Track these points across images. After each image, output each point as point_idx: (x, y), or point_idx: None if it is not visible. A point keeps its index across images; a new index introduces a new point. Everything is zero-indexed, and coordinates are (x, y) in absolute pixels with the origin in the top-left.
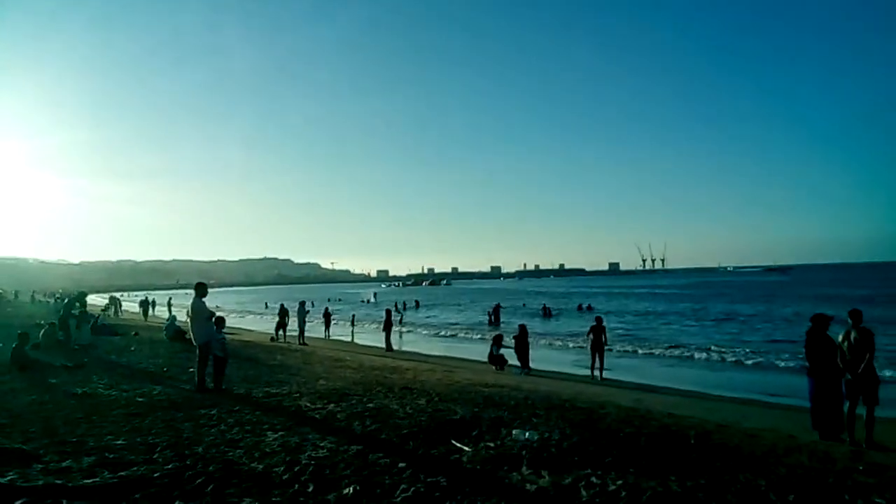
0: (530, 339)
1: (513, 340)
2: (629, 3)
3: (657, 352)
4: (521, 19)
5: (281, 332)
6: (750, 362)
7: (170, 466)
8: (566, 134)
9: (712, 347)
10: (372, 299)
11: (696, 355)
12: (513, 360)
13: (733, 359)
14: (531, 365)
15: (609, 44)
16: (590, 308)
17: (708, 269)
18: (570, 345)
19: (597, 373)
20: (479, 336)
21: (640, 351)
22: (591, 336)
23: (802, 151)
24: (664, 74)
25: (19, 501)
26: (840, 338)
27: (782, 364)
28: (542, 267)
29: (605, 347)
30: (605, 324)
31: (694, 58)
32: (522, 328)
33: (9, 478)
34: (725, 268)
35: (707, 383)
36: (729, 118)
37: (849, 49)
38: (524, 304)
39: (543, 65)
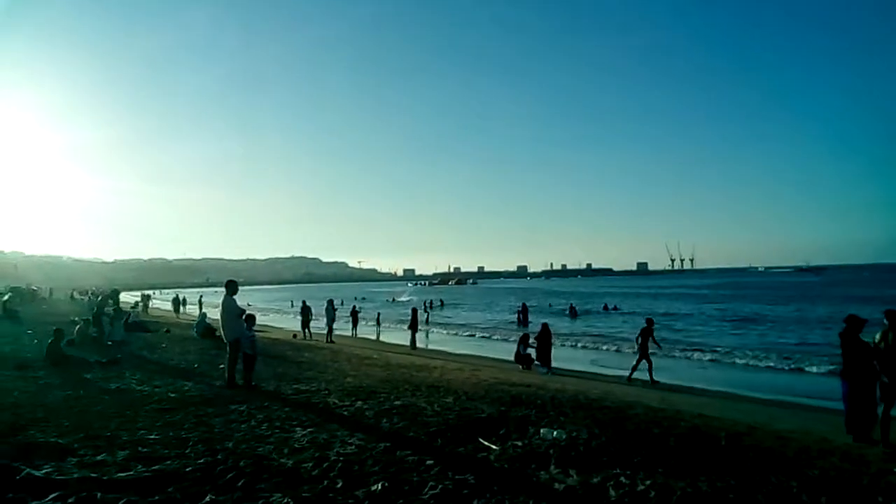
0: (553, 340)
1: (535, 341)
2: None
3: (686, 353)
4: (550, 16)
5: (306, 330)
6: (781, 364)
7: (201, 461)
8: (594, 132)
9: (742, 349)
10: (405, 298)
11: (726, 357)
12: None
13: (765, 361)
14: (553, 364)
15: (636, 44)
16: (616, 308)
17: (738, 269)
18: (598, 346)
19: (639, 375)
20: (505, 335)
21: (672, 353)
22: (640, 339)
23: (831, 151)
24: (695, 73)
25: (54, 494)
26: (877, 338)
27: (814, 367)
28: (569, 267)
29: (650, 352)
30: (654, 326)
31: (723, 58)
32: (545, 327)
33: (44, 471)
34: (756, 268)
35: (737, 384)
36: (757, 118)
37: (878, 52)
38: (550, 305)
39: (572, 62)
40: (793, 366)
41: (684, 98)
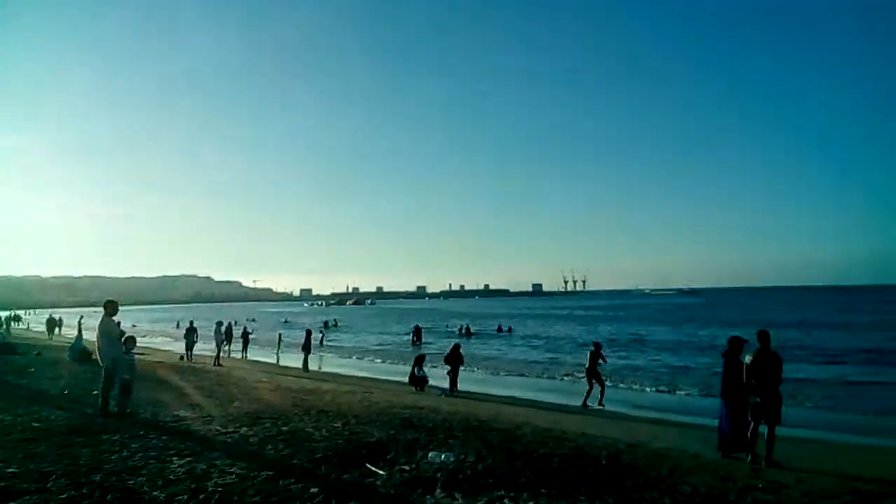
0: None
1: (446, 364)
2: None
3: (577, 376)
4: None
5: (190, 353)
6: (661, 386)
7: (64, 496)
8: (491, 157)
9: (629, 369)
10: (289, 320)
11: (613, 378)
12: (437, 380)
13: (647, 382)
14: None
15: (516, 67)
16: (510, 330)
17: (626, 291)
18: (491, 367)
19: (590, 402)
20: (400, 357)
21: (560, 375)
22: (588, 363)
23: (712, 178)
24: (579, 100)
25: None
26: (748, 359)
27: (691, 387)
28: (467, 287)
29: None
30: (603, 350)
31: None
32: (456, 348)
33: None
34: (643, 290)
35: (624, 404)
36: (643, 147)
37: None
38: (447, 326)
39: (474, 79)
40: (672, 385)
41: (573, 124)
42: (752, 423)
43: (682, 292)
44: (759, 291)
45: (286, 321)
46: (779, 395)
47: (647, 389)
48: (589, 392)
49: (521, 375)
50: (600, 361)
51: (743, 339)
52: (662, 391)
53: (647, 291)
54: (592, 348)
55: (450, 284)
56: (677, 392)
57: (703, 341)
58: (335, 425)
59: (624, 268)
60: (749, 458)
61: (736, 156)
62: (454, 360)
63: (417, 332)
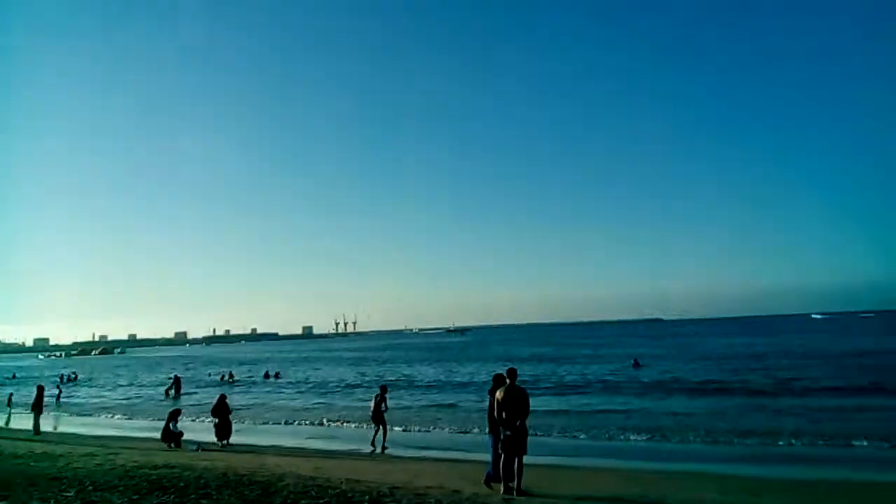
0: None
1: (213, 416)
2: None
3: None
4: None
5: None
6: (424, 426)
7: None
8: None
9: (403, 407)
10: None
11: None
12: (198, 434)
13: (419, 419)
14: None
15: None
16: (277, 375)
17: (396, 331)
18: (260, 416)
19: (376, 445)
20: (152, 412)
21: (329, 420)
22: (372, 406)
23: (477, 215)
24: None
25: None
26: (498, 395)
27: (456, 423)
28: (233, 331)
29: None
30: (387, 394)
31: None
32: (222, 398)
33: None
34: (412, 330)
35: (397, 445)
36: (406, 185)
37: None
38: (210, 374)
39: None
40: (439, 423)
41: (341, 159)
42: (503, 455)
43: (449, 331)
44: (522, 328)
45: (14, 377)
46: (525, 428)
47: (417, 429)
48: (376, 434)
49: (288, 423)
50: (383, 405)
51: (504, 375)
52: (425, 431)
53: (415, 331)
54: (378, 392)
55: (213, 329)
56: (442, 429)
57: (466, 378)
58: (67, 495)
59: (394, 308)
60: (503, 488)
61: (500, 199)
62: (221, 411)
63: (177, 382)
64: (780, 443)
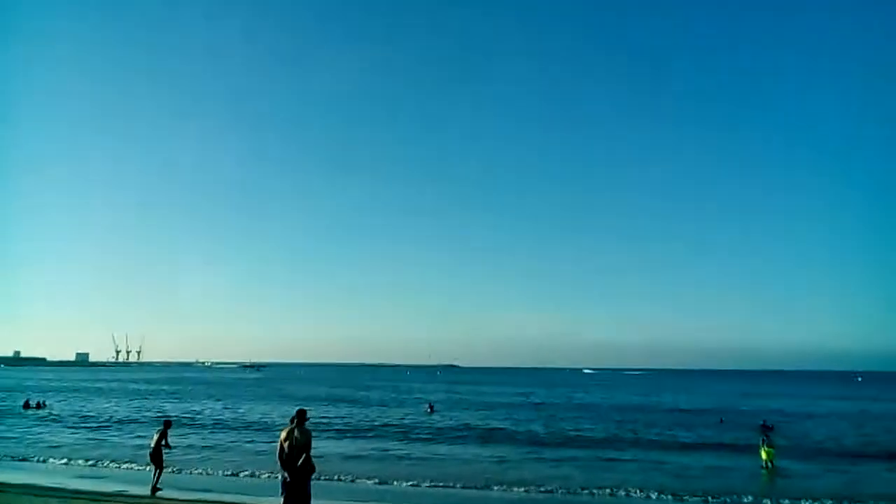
0: None
1: None
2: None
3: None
4: None
5: None
6: (216, 461)
7: None
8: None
9: (186, 446)
10: None
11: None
12: None
13: (200, 457)
14: None
15: None
16: (40, 406)
17: (185, 363)
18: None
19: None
20: None
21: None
22: (153, 443)
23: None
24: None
25: None
26: (281, 436)
27: (239, 463)
28: None
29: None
30: (170, 430)
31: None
32: None
33: None
34: (203, 363)
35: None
36: (205, 210)
37: None
38: None
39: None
40: (220, 464)
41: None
42: (283, 500)
43: (244, 367)
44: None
45: None
46: (307, 471)
47: (198, 471)
48: (156, 474)
49: (48, 460)
50: (163, 442)
51: (305, 412)
52: (205, 473)
53: (208, 365)
54: (161, 427)
55: None
56: (224, 472)
57: (256, 417)
58: None
59: (185, 337)
60: None
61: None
62: None
63: None
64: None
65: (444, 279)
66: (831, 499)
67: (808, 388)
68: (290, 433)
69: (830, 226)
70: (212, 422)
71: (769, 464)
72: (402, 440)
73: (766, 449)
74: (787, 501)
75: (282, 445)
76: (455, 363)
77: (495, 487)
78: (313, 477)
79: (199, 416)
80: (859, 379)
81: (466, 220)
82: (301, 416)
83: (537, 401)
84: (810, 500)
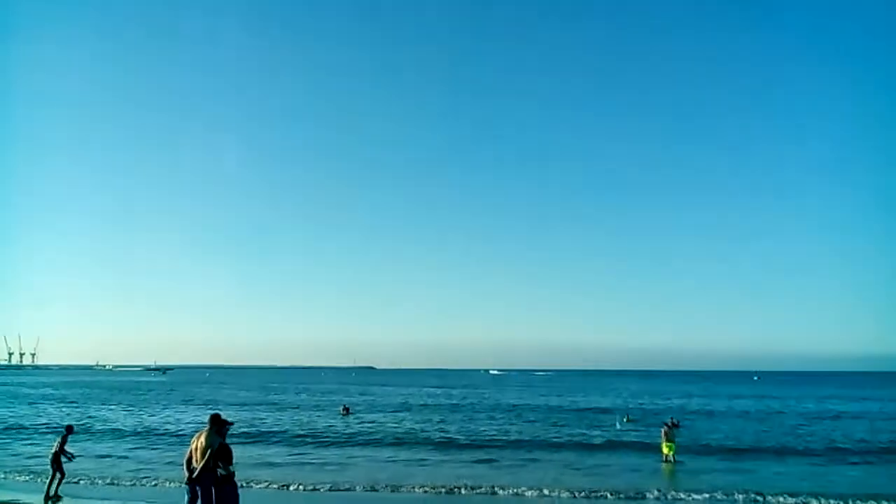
0: None
1: None
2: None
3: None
4: None
5: None
6: (118, 471)
7: None
8: None
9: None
10: None
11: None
12: None
13: (98, 467)
14: None
15: None
16: None
17: (85, 367)
18: None
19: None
20: None
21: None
22: (55, 449)
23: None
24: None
25: None
26: (193, 443)
27: (149, 472)
28: None
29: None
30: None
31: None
32: None
33: None
34: (105, 366)
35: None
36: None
37: None
38: None
39: None
40: (123, 473)
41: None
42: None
43: (149, 369)
44: (234, 370)
45: None
46: (206, 475)
47: (98, 480)
48: (55, 481)
49: None
50: (65, 449)
51: (225, 421)
52: (107, 483)
53: (109, 368)
54: (64, 431)
55: None
56: (126, 481)
57: (157, 423)
58: None
59: (84, 339)
60: None
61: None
62: None
63: None
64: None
65: (363, 280)
66: (724, 493)
67: (709, 386)
68: (199, 438)
69: (721, 223)
70: (110, 428)
71: (671, 458)
72: (315, 444)
73: (668, 444)
74: (685, 494)
75: (192, 451)
76: (372, 365)
77: (412, 490)
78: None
79: (96, 423)
80: (756, 378)
81: (381, 223)
82: (213, 420)
83: (452, 402)
84: (707, 493)
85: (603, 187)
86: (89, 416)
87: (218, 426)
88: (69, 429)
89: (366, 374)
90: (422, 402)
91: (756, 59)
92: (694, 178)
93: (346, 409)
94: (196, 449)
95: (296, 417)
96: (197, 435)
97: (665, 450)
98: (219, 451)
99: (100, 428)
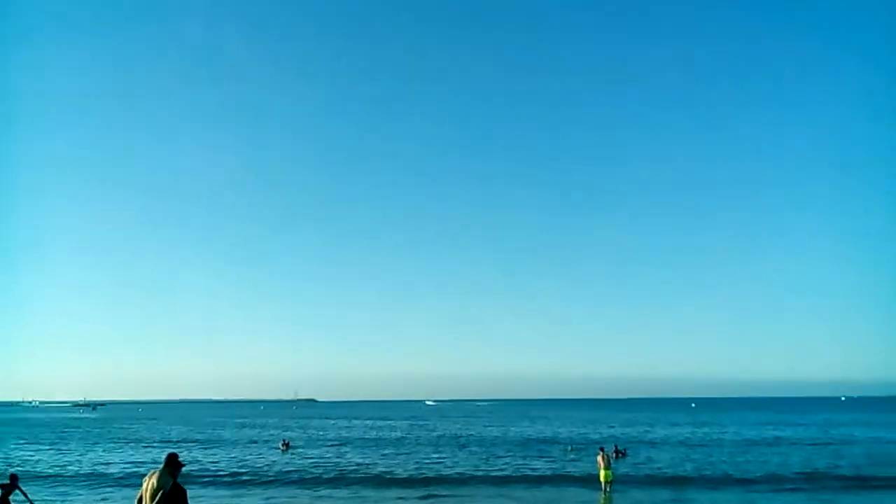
0: None
1: None
2: None
3: None
4: None
5: None
6: None
7: None
8: None
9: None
10: None
11: None
12: None
13: None
14: None
15: None
16: None
17: (13, 403)
18: None
19: None
20: None
21: None
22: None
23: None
24: None
25: None
26: (145, 483)
27: None
28: None
29: None
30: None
31: None
32: None
33: None
34: (30, 402)
35: None
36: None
37: None
38: None
39: None
40: None
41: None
42: None
43: (77, 405)
44: (168, 405)
45: None
46: None
47: None
48: None
49: None
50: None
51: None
52: None
53: (35, 404)
54: (7, 481)
55: None
56: None
57: (87, 468)
58: None
59: (7, 373)
60: None
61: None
62: None
63: None
64: None
65: (305, 312)
66: None
67: (650, 414)
68: (151, 478)
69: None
70: (33, 473)
71: (607, 487)
72: (252, 484)
73: (605, 471)
74: None
75: (142, 492)
76: (314, 398)
77: None
78: None
79: (19, 465)
80: (693, 405)
81: (323, 254)
82: (169, 460)
83: (395, 434)
84: None
85: (537, 209)
86: (10, 458)
87: (172, 466)
88: (13, 477)
89: (308, 407)
90: (364, 436)
91: (756, 65)
92: (614, 202)
93: (286, 444)
94: (146, 490)
95: (233, 454)
96: (149, 475)
97: (601, 477)
98: (171, 492)
99: (22, 471)
